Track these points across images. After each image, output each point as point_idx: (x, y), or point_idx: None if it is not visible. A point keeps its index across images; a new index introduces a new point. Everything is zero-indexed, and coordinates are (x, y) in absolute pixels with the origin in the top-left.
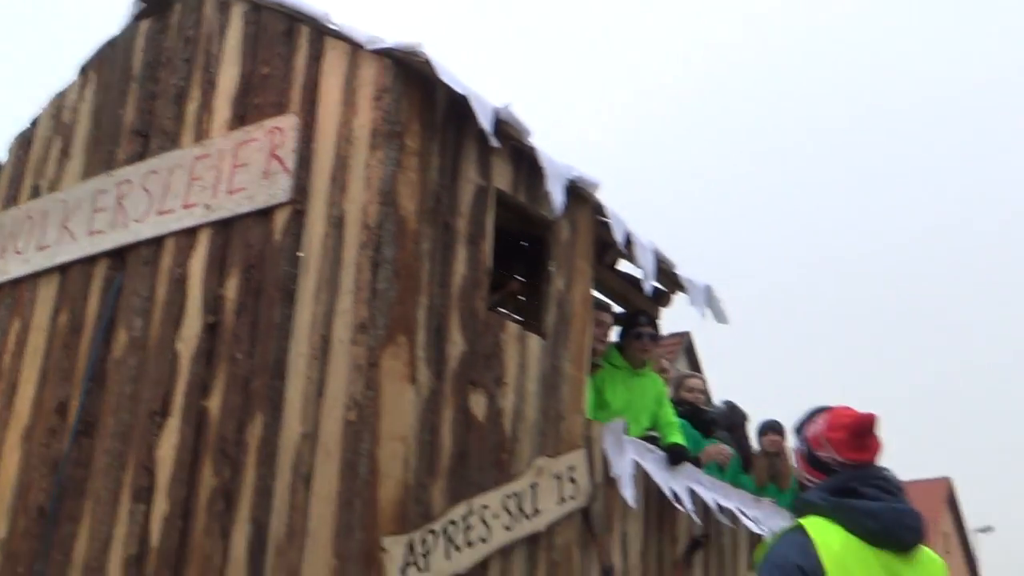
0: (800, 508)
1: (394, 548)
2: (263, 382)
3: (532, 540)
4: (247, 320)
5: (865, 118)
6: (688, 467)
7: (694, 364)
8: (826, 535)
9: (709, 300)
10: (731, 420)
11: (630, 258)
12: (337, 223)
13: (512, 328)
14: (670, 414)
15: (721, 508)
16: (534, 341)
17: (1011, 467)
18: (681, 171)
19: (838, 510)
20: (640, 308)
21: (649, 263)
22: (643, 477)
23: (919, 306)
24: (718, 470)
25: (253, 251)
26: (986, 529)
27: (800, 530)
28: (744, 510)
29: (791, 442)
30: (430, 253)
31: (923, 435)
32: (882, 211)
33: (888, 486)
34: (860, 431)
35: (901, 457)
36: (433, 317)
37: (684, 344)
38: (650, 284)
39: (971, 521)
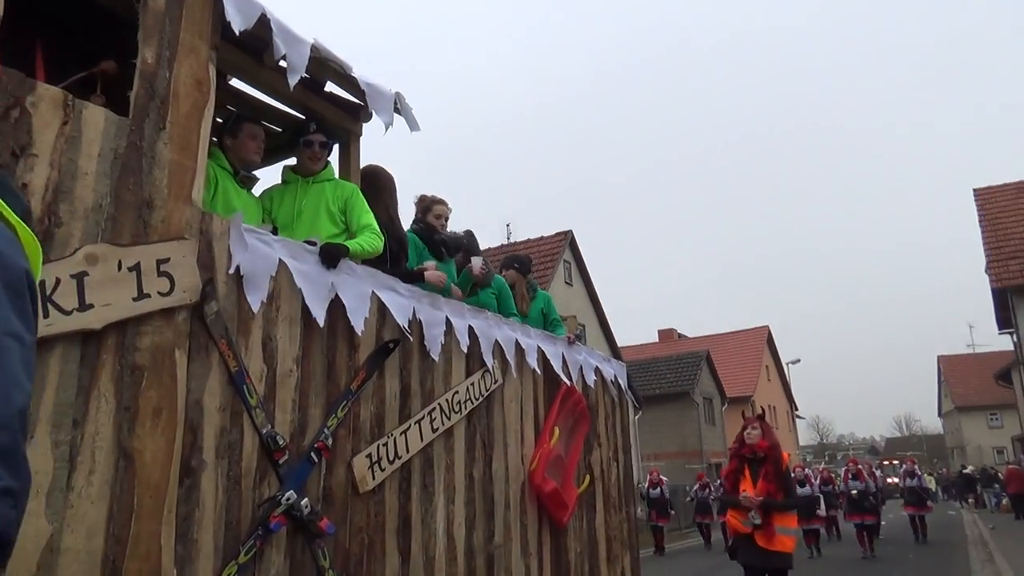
0: None
1: None
2: None
3: (86, 340)
4: None
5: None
6: (377, 274)
7: (577, 257)
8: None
9: (399, 108)
10: (468, 246)
11: (270, 48)
12: None
13: (50, 93)
14: (363, 217)
15: (420, 317)
16: (97, 115)
17: (812, 314)
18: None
19: (8, 192)
20: (313, 117)
21: (298, 56)
22: (305, 280)
23: (740, 196)
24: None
25: None
26: (795, 361)
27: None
28: (455, 319)
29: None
30: None
31: (749, 294)
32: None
33: None
34: None
35: (731, 311)
36: None
37: (568, 240)
38: (295, 77)
39: (784, 356)
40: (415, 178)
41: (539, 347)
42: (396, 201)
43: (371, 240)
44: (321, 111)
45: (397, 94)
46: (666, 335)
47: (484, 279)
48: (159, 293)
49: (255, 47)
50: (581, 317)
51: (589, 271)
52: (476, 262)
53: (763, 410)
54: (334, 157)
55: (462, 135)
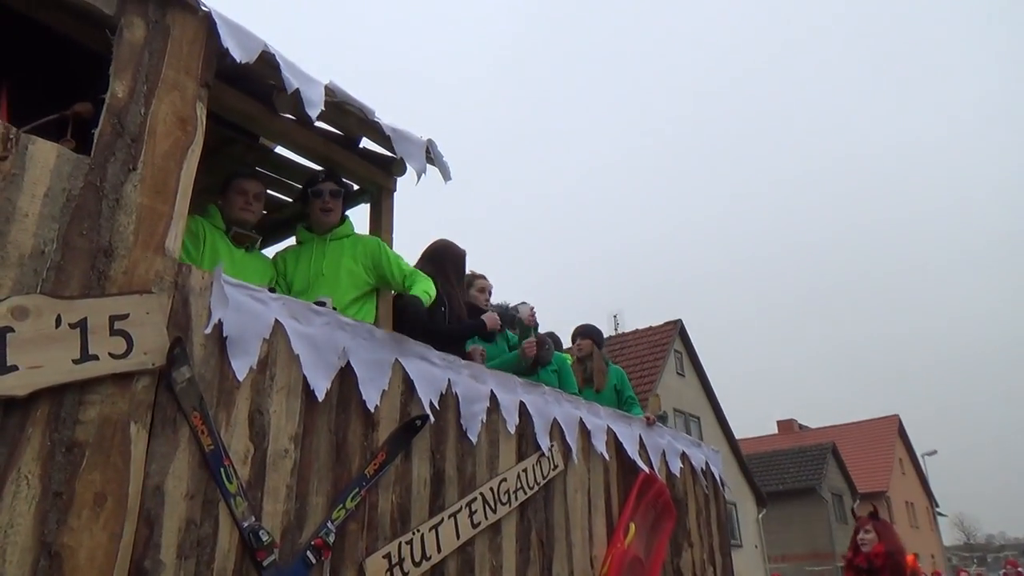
0: None
1: None
2: None
3: (7, 409)
4: None
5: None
6: (403, 340)
7: (688, 347)
8: None
9: (431, 157)
10: (512, 320)
11: (283, 92)
12: None
13: None
14: (402, 265)
15: (458, 392)
16: (47, 152)
17: (946, 402)
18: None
19: None
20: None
21: (314, 93)
22: (315, 349)
23: (866, 281)
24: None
25: None
26: (931, 452)
27: None
28: (502, 393)
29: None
30: None
31: (872, 382)
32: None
33: None
34: None
35: (853, 400)
36: None
37: (678, 329)
38: (315, 110)
39: (918, 447)
40: (520, 271)
41: (610, 428)
42: (462, 278)
43: (425, 286)
44: (347, 163)
45: (429, 141)
46: (786, 426)
47: (542, 355)
48: (111, 355)
49: (265, 94)
50: (695, 409)
51: (701, 361)
52: (524, 309)
53: (875, 507)
54: (363, 216)
55: (569, 225)
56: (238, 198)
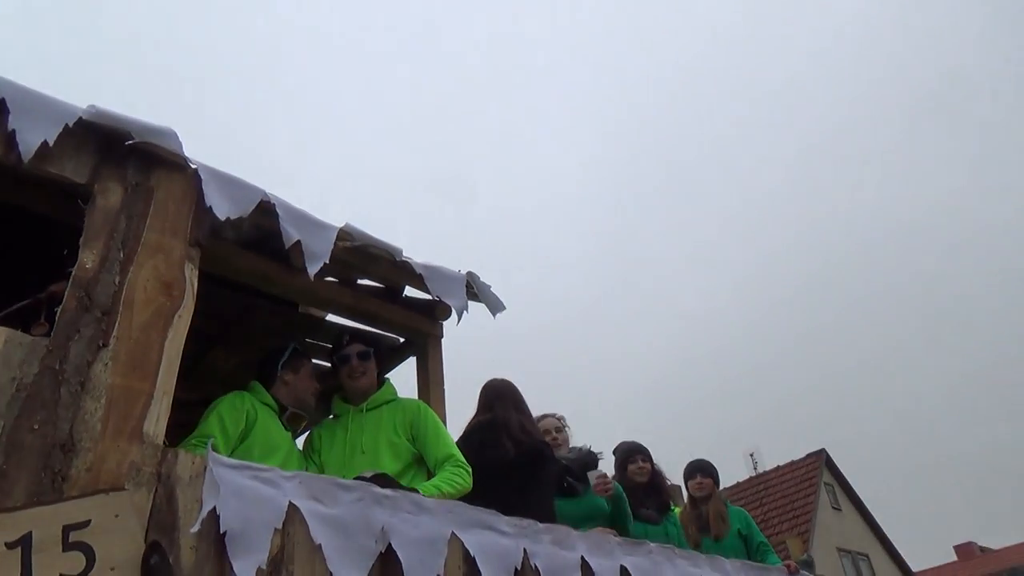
0: None
1: None
2: None
3: None
4: None
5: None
6: (460, 508)
7: (839, 477)
8: None
9: (478, 292)
10: (585, 463)
11: (296, 246)
12: None
13: None
14: (441, 445)
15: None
16: None
17: None
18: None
19: None
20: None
21: (320, 243)
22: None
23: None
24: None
25: None
26: None
27: None
28: (596, 559)
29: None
30: None
31: None
32: None
33: None
34: None
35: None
36: None
37: (823, 460)
38: (316, 264)
39: None
40: (638, 414)
41: None
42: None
43: (454, 478)
44: (384, 314)
45: (469, 274)
46: (965, 552)
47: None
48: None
49: (279, 251)
50: (861, 545)
51: (856, 490)
52: (591, 476)
53: None
54: (403, 374)
55: (686, 363)
56: (311, 383)
